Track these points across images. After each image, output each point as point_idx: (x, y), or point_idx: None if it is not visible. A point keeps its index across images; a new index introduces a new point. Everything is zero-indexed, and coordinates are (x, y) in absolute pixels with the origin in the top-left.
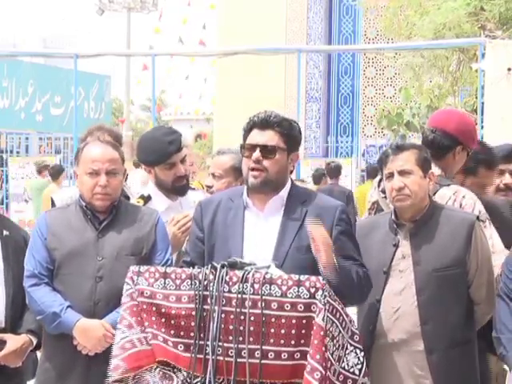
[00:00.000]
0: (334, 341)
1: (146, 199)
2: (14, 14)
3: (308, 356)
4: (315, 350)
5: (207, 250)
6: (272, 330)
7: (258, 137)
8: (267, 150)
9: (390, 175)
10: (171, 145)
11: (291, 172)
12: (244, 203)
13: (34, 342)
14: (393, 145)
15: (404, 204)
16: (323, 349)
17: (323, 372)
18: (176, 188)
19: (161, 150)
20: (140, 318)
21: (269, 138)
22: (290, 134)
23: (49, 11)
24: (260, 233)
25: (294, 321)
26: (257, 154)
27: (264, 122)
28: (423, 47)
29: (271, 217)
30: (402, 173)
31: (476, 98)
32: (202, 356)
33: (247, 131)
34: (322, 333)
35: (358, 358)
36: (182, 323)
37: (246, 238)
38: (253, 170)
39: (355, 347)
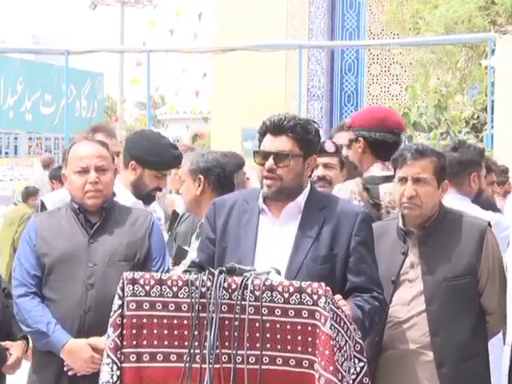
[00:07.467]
0: (342, 351)
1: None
2: (3, 8)
3: (319, 368)
4: (328, 362)
5: (218, 252)
6: (278, 336)
7: (271, 143)
8: (280, 158)
9: (403, 179)
10: (176, 160)
11: (310, 176)
12: (259, 207)
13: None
14: (413, 148)
15: (412, 213)
16: (335, 359)
17: None
18: (148, 196)
19: (166, 159)
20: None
21: (282, 144)
22: (305, 139)
23: (39, 6)
24: (274, 240)
25: (299, 327)
26: (270, 162)
27: (277, 128)
28: (430, 43)
29: (287, 224)
30: (416, 180)
31: (486, 95)
32: (200, 366)
33: (261, 135)
34: (331, 342)
35: (355, 368)
36: (186, 333)
37: (259, 244)
38: (266, 178)
39: (355, 356)
